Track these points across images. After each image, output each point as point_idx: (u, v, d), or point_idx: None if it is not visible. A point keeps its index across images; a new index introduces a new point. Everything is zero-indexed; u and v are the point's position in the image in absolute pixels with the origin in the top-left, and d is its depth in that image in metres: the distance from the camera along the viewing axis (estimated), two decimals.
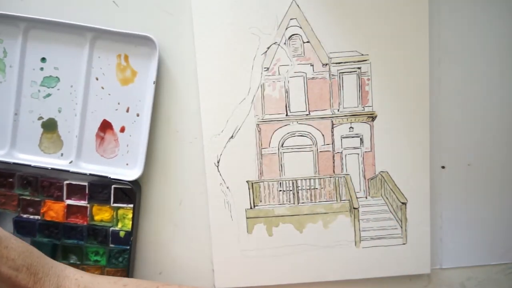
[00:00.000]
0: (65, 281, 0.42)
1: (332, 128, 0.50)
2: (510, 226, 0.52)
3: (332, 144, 0.50)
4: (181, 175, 0.51)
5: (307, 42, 0.49)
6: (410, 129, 0.50)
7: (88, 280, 0.43)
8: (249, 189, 0.50)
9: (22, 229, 0.50)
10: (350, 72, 0.49)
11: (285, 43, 0.49)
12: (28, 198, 0.50)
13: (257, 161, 0.50)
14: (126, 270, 0.49)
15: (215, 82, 0.49)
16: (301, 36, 0.49)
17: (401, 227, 0.51)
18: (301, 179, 0.50)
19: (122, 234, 0.49)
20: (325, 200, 0.51)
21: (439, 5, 0.49)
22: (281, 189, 0.50)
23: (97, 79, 0.49)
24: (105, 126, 0.49)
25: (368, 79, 0.49)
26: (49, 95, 0.49)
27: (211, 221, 0.51)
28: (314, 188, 0.51)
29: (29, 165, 0.49)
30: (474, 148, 0.51)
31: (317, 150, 0.50)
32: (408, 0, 0.48)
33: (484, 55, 0.50)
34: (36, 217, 0.50)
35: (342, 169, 0.50)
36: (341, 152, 0.50)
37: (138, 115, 0.49)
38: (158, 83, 0.49)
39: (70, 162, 0.49)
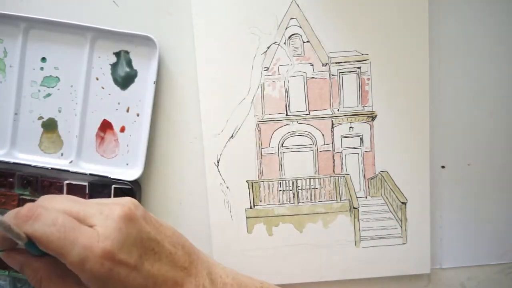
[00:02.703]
0: (213, 268, 0.39)
1: (332, 127, 0.50)
2: (510, 226, 0.52)
3: (332, 144, 0.50)
4: (181, 175, 0.51)
5: (307, 41, 0.49)
6: (410, 129, 0.50)
7: (233, 272, 0.41)
8: (249, 188, 0.50)
9: None
10: (350, 72, 0.49)
11: (285, 43, 0.49)
12: (28, 198, 0.50)
13: (257, 160, 0.50)
14: None
15: (215, 82, 0.49)
16: (301, 36, 0.49)
17: (401, 227, 0.51)
18: (301, 179, 0.50)
19: None
20: (325, 200, 0.51)
21: (439, 5, 0.49)
22: (281, 188, 0.50)
23: (97, 79, 0.49)
24: (105, 126, 0.49)
25: (368, 79, 0.49)
26: (49, 95, 0.49)
27: (211, 221, 0.51)
28: (314, 188, 0.51)
29: (29, 165, 0.49)
30: (474, 148, 0.51)
31: (317, 150, 0.50)
32: (408, 0, 0.48)
33: (484, 55, 0.50)
34: None
35: (342, 168, 0.50)
36: (341, 152, 0.50)
37: (138, 115, 0.49)
38: (158, 83, 0.49)
39: (70, 162, 0.49)
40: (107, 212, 0.34)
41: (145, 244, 0.35)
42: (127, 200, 0.36)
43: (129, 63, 0.49)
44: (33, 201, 0.49)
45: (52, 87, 0.49)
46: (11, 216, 0.33)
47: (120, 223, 0.33)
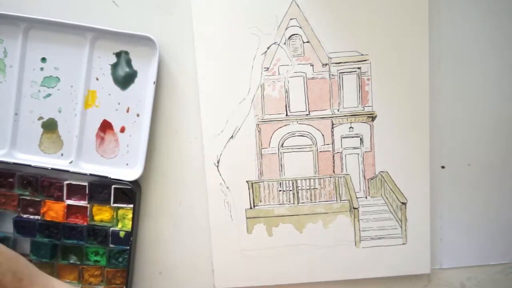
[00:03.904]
0: None
1: (332, 128, 0.50)
2: (510, 226, 0.52)
3: (332, 144, 0.50)
4: (181, 175, 0.51)
5: (307, 42, 0.49)
6: (410, 129, 0.50)
7: None
8: (249, 189, 0.50)
9: (22, 229, 0.50)
10: (350, 72, 0.49)
11: (285, 43, 0.49)
12: (28, 198, 0.50)
13: (257, 161, 0.50)
14: (126, 270, 0.49)
15: (215, 82, 0.49)
16: (301, 36, 0.49)
17: (401, 227, 0.51)
18: (301, 179, 0.50)
19: (122, 234, 0.49)
20: (325, 200, 0.51)
21: (439, 5, 0.49)
22: (281, 189, 0.50)
23: (97, 79, 0.49)
24: (105, 126, 0.49)
25: (368, 79, 0.49)
26: (49, 95, 0.49)
27: (211, 221, 0.51)
28: (314, 188, 0.51)
29: (29, 165, 0.49)
30: (474, 148, 0.51)
31: (317, 150, 0.50)
32: (408, 0, 0.48)
33: (484, 55, 0.50)
34: (36, 217, 0.50)
35: (342, 169, 0.50)
36: (341, 152, 0.50)
37: (138, 115, 0.49)
38: (158, 83, 0.49)
39: (70, 162, 0.49)
40: None
41: None
42: None
43: (129, 63, 0.49)
44: (34, 201, 0.50)
45: (52, 87, 0.49)
46: None
47: None
